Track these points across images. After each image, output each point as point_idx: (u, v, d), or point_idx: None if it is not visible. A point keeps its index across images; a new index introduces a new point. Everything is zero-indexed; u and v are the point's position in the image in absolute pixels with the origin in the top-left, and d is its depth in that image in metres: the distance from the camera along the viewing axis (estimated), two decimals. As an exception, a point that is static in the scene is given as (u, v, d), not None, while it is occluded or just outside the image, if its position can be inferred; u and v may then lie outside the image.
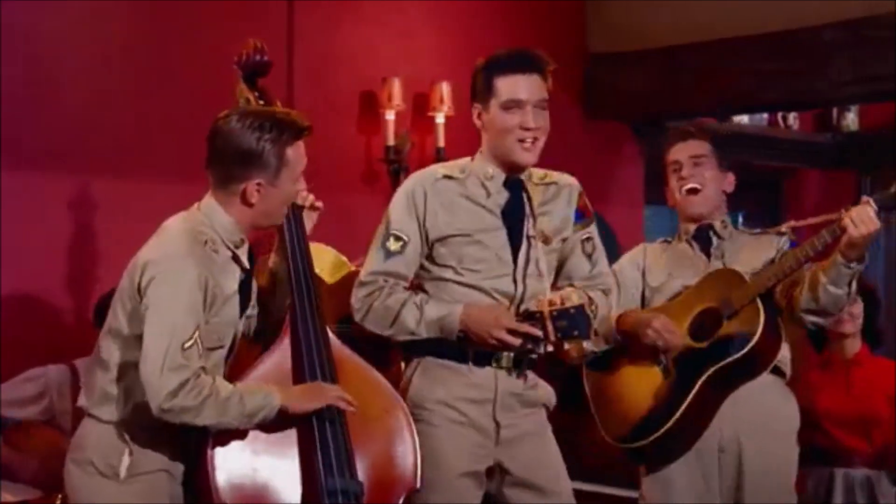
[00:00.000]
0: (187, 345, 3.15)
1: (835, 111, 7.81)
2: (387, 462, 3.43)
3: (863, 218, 3.80)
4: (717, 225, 4.18)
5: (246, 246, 3.35)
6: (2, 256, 4.90)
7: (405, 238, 3.62)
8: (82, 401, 3.35)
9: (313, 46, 5.79)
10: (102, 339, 3.32)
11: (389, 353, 3.94)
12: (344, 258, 4.52)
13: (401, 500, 3.44)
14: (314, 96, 5.78)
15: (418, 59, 6.06)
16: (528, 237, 3.64)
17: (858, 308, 5.03)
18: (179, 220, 3.33)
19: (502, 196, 3.65)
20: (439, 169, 3.72)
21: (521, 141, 3.61)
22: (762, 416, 4.05)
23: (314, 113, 5.71)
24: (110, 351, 3.28)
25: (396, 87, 5.83)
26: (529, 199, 3.67)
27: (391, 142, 5.88)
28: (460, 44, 6.20)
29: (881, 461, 5.16)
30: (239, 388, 3.25)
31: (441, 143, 5.93)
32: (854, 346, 5.09)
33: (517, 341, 3.50)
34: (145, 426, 3.24)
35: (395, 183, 5.89)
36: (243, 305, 3.37)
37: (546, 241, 3.66)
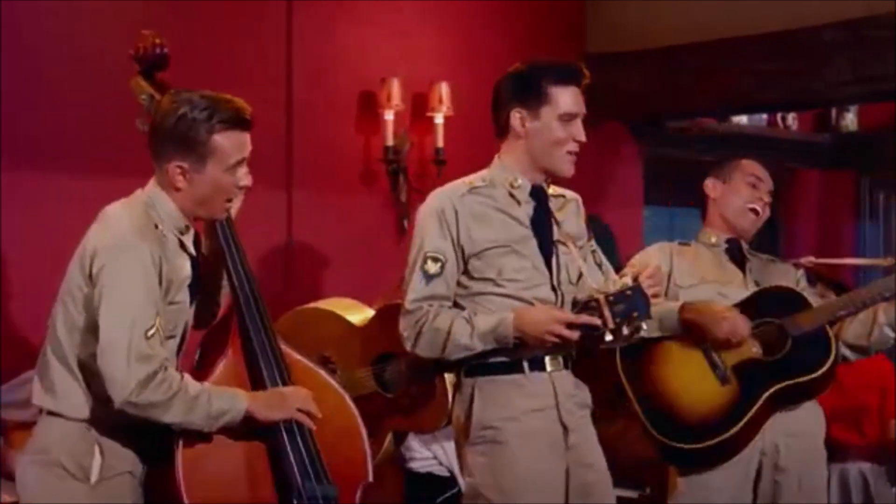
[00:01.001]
0: (150, 332, 3.05)
1: (834, 111, 7.81)
2: (341, 461, 3.41)
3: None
4: (745, 246, 4.21)
5: (191, 233, 3.26)
6: (2, 256, 4.91)
7: (442, 258, 3.55)
8: (38, 399, 3.21)
9: (312, 47, 5.78)
10: (56, 332, 3.18)
11: (432, 377, 3.91)
12: (361, 304, 4.46)
13: (358, 494, 3.43)
14: (313, 96, 5.78)
15: (417, 59, 6.06)
16: (557, 243, 3.62)
17: None
18: (125, 203, 3.22)
19: (530, 205, 3.62)
20: (462, 183, 3.65)
21: (570, 153, 3.59)
22: (798, 419, 4.08)
23: (313, 113, 5.78)
24: (68, 345, 3.15)
25: (395, 87, 5.82)
26: (551, 205, 3.67)
27: (390, 142, 5.87)
28: (459, 44, 6.20)
29: (873, 454, 5.19)
30: (207, 387, 3.16)
31: (440, 143, 5.92)
32: None
33: (575, 335, 3.43)
34: (114, 424, 3.14)
35: (394, 183, 5.89)
36: (193, 293, 3.27)
37: (574, 244, 3.64)
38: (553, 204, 3.68)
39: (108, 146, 5.10)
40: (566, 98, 3.57)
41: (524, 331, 3.46)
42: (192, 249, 3.26)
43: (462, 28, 6.23)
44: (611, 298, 3.35)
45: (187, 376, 3.14)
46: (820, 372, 3.97)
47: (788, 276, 4.18)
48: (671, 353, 4.09)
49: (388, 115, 5.86)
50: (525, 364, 3.53)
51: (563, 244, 3.61)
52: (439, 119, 5.94)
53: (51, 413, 3.20)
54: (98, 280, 3.08)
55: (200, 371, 3.34)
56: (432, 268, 3.54)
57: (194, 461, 3.20)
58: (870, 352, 4.09)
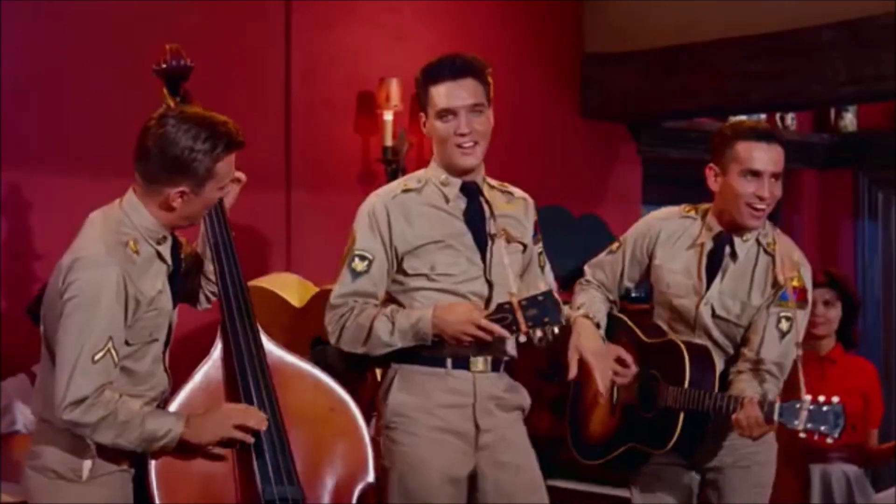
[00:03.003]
0: (97, 356, 3.11)
1: (832, 111, 7.81)
2: (338, 460, 3.45)
3: (752, 425, 3.72)
4: (738, 241, 3.96)
5: (169, 242, 3.31)
6: (2, 256, 4.92)
7: (370, 257, 3.68)
8: (36, 407, 3.33)
9: (310, 47, 5.79)
10: (43, 339, 3.28)
11: (365, 367, 3.96)
12: (308, 282, 4.49)
13: (356, 494, 3.45)
14: (311, 96, 5.78)
15: (416, 59, 6.02)
16: (491, 236, 3.69)
17: (835, 313, 5.13)
18: (101, 218, 3.27)
19: (462, 201, 3.71)
20: (397, 184, 3.78)
21: (459, 146, 3.66)
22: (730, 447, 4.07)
23: (312, 113, 5.79)
24: (50, 355, 3.23)
25: (394, 87, 5.83)
26: (487, 202, 3.73)
27: (389, 142, 5.87)
28: (458, 44, 6.17)
29: (855, 456, 5.21)
30: (144, 410, 3.20)
31: (438, 143, 5.92)
32: (828, 344, 5.18)
33: (489, 336, 3.51)
34: None
35: (393, 183, 5.90)
36: (175, 297, 3.34)
37: (510, 240, 3.71)
38: (497, 198, 3.75)
39: (108, 146, 5.10)
40: (439, 95, 3.67)
41: (442, 329, 3.56)
42: (168, 259, 3.31)
43: (460, 28, 6.23)
44: (523, 303, 3.45)
45: (125, 398, 3.18)
46: (657, 450, 3.95)
47: (764, 292, 3.93)
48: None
49: (387, 116, 5.86)
50: (449, 360, 3.62)
51: (499, 238, 3.69)
52: (438, 119, 5.94)
53: (44, 420, 3.28)
54: (64, 294, 3.16)
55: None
56: (359, 265, 3.67)
57: (166, 463, 3.25)
58: None
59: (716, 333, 3.96)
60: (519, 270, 3.75)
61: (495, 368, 3.69)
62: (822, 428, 3.68)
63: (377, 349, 3.64)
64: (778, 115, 7.61)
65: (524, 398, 3.79)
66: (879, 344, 7.69)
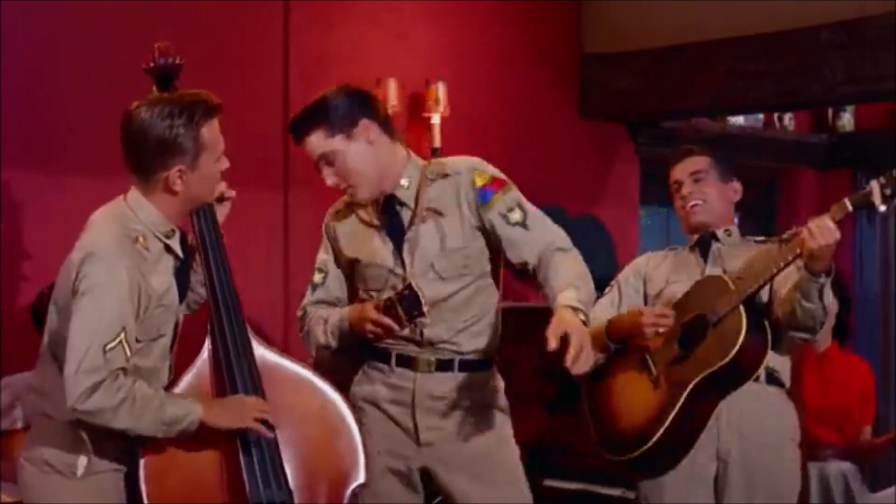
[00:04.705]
0: (109, 346, 3.11)
1: (830, 111, 7.82)
2: (328, 460, 3.45)
3: (821, 229, 3.74)
4: (720, 233, 4.15)
5: (178, 235, 3.31)
6: (2, 256, 4.92)
7: (325, 269, 3.79)
8: (34, 403, 3.32)
9: (308, 46, 5.79)
10: (46, 336, 3.28)
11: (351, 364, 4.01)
12: None
13: (347, 496, 3.45)
14: (309, 96, 5.74)
15: (413, 59, 6.07)
16: (411, 243, 3.64)
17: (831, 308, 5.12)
18: (107, 215, 3.28)
19: (383, 216, 3.69)
20: (343, 199, 3.79)
21: (342, 191, 3.71)
22: (759, 428, 4.02)
23: (310, 113, 5.77)
24: (55, 350, 3.23)
25: (392, 87, 5.83)
26: (408, 206, 3.65)
27: (387, 142, 5.87)
28: (456, 45, 6.21)
29: (852, 454, 5.22)
30: (161, 394, 3.21)
31: (437, 143, 5.92)
32: (825, 342, 5.18)
33: (378, 329, 3.54)
34: (98, 426, 3.18)
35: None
36: (182, 292, 3.35)
37: (442, 242, 3.63)
38: (432, 190, 3.64)
39: (109, 146, 5.08)
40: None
41: (353, 328, 3.63)
42: (179, 251, 3.31)
43: (458, 28, 6.24)
44: (398, 298, 3.50)
45: (140, 383, 3.18)
46: (731, 354, 3.86)
47: (772, 250, 4.11)
48: (619, 368, 4.11)
49: (385, 116, 5.86)
50: (393, 358, 3.67)
51: (426, 235, 3.63)
52: (436, 119, 5.94)
53: (42, 414, 3.28)
54: (78, 288, 3.15)
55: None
56: (317, 277, 3.80)
57: (156, 464, 3.24)
58: (806, 328, 3.93)
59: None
60: (453, 262, 3.63)
61: (443, 368, 3.66)
62: None
63: (320, 350, 3.75)
64: (776, 115, 7.63)
65: (488, 397, 3.70)
66: (877, 343, 7.70)
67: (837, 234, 3.73)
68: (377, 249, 3.68)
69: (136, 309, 3.18)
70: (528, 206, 3.66)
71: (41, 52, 5.08)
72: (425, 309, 3.47)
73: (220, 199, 3.49)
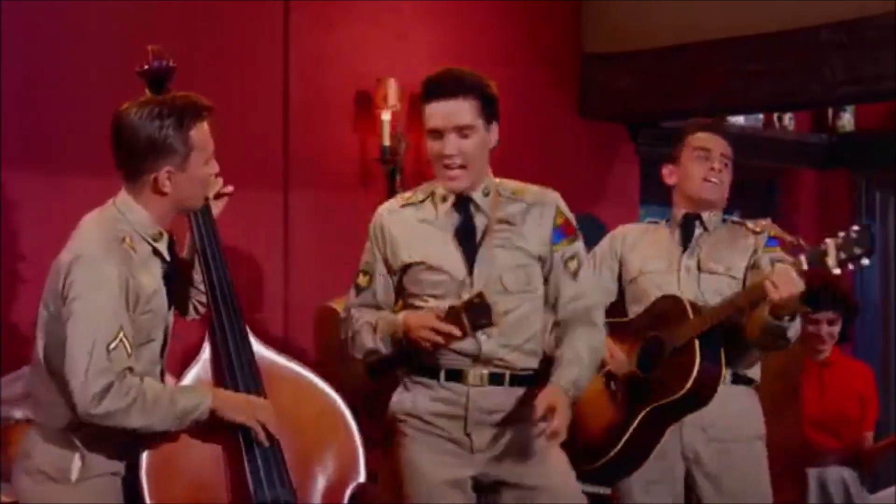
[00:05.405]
0: (112, 345, 3.11)
1: (830, 111, 7.82)
2: (329, 460, 3.45)
3: (785, 282, 3.74)
4: (706, 216, 4.18)
5: (165, 238, 3.32)
6: (2, 256, 4.92)
7: (371, 272, 3.75)
8: (28, 411, 3.35)
9: (308, 46, 5.79)
10: (36, 341, 3.27)
11: (384, 374, 4.01)
12: None
13: (347, 494, 3.45)
14: (309, 96, 5.78)
15: (414, 58, 6.06)
16: (483, 252, 3.65)
17: (837, 328, 5.15)
18: (95, 218, 3.29)
19: (454, 217, 3.69)
20: (400, 198, 3.81)
21: (447, 168, 3.66)
22: (723, 426, 4.05)
23: (309, 113, 5.78)
24: (46, 355, 3.22)
25: (392, 87, 5.83)
26: (484, 212, 3.68)
27: (387, 142, 5.87)
28: (456, 44, 6.20)
29: (851, 459, 5.23)
30: (169, 388, 3.23)
31: (437, 143, 5.92)
32: (826, 349, 5.19)
33: (439, 338, 3.53)
34: (95, 430, 3.19)
35: (391, 183, 5.89)
36: (171, 297, 3.34)
37: (506, 247, 3.67)
38: (503, 208, 3.70)
39: (108, 146, 5.08)
40: (427, 114, 3.72)
41: (408, 335, 3.60)
42: (166, 255, 3.32)
43: (458, 28, 6.23)
44: (465, 306, 3.51)
45: (148, 380, 3.19)
46: (683, 391, 3.90)
47: (748, 247, 4.16)
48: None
49: (385, 115, 5.86)
50: (442, 372, 3.65)
51: (491, 247, 3.66)
52: (436, 119, 5.94)
53: (33, 422, 3.30)
54: (67, 294, 3.15)
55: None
56: (362, 280, 3.77)
57: (157, 466, 3.24)
58: (783, 341, 3.96)
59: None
60: (530, 288, 3.68)
61: (495, 382, 3.66)
62: (858, 251, 3.64)
63: (368, 355, 3.72)
64: (776, 115, 7.62)
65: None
66: (877, 349, 7.69)
67: (801, 286, 3.74)
68: (445, 254, 3.67)
69: (127, 305, 3.18)
70: (586, 259, 3.78)
71: (41, 53, 5.08)
72: (494, 319, 3.49)
73: (218, 195, 3.49)
